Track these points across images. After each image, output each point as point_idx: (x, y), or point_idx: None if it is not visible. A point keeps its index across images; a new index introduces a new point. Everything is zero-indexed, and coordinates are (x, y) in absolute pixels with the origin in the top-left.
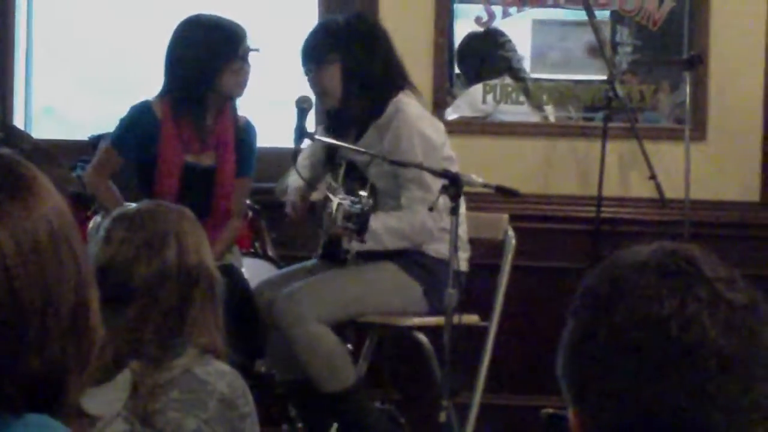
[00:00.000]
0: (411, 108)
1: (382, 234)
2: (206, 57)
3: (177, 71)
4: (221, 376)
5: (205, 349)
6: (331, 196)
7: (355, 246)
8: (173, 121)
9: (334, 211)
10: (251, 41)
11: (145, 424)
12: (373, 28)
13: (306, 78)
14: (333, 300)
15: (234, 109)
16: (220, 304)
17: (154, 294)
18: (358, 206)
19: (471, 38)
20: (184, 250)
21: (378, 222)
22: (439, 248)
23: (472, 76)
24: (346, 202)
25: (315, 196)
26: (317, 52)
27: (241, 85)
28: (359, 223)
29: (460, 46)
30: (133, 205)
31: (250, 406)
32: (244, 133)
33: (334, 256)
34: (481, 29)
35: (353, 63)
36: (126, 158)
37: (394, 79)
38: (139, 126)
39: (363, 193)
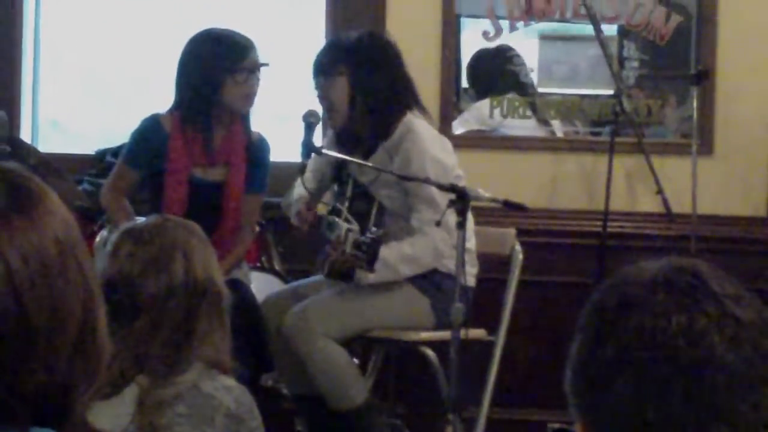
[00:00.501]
0: (421, 129)
1: (397, 263)
2: (209, 68)
3: (184, 85)
4: (228, 391)
5: (211, 364)
6: (337, 219)
7: (371, 279)
8: (182, 134)
9: (342, 237)
10: (260, 56)
11: None
12: (385, 46)
13: (315, 93)
14: (343, 316)
15: (247, 125)
16: (227, 319)
17: (161, 308)
18: (369, 235)
19: (481, 54)
20: (192, 264)
21: (392, 252)
22: (448, 263)
23: (482, 92)
24: (356, 228)
25: (320, 208)
26: (326, 64)
27: (246, 99)
28: (369, 252)
29: (470, 61)
30: (142, 219)
31: (257, 420)
32: (258, 149)
33: (341, 277)
34: (489, 44)
35: (360, 77)
36: (139, 172)
37: (402, 98)
38: (147, 139)
39: (371, 218)
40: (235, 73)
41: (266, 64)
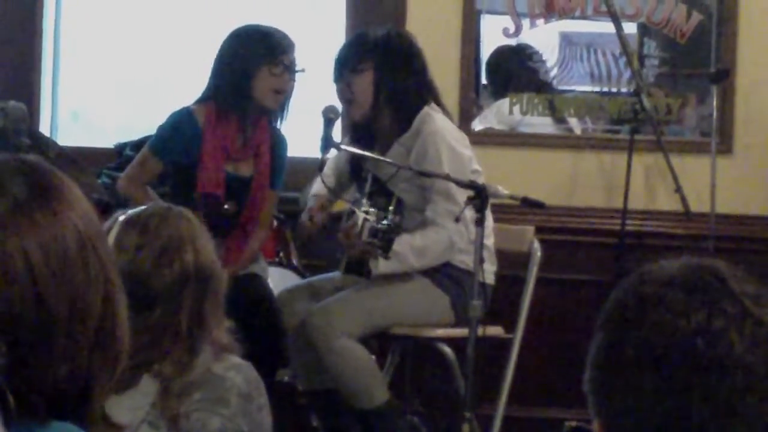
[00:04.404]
0: (438, 120)
1: (409, 255)
2: (248, 56)
3: (221, 73)
4: (238, 370)
5: (219, 346)
6: (356, 210)
7: (382, 270)
8: (215, 128)
9: (359, 226)
10: (298, 60)
11: (172, 426)
12: (410, 44)
13: (336, 87)
14: (365, 315)
15: (272, 122)
16: (222, 301)
17: (177, 297)
18: (385, 222)
19: (500, 51)
20: (199, 250)
21: (403, 244)
22: (466, 260)
23: (500, 89)
24: (372, 218)
25: (338, 206)
26: (352, 59)
27: (276, 94)
28: (385, 239)
29: (489, 58)
30: (140, 209)
31: (264, 396)
32: (277, 146)
33: (358, 272)
34: (509, 41)
35: (386, 73)
36: (165, 163)
37: (424, 97)
38: (180, 132)
39: (390, 210)
40: (272, 65)
41: (302, 70)
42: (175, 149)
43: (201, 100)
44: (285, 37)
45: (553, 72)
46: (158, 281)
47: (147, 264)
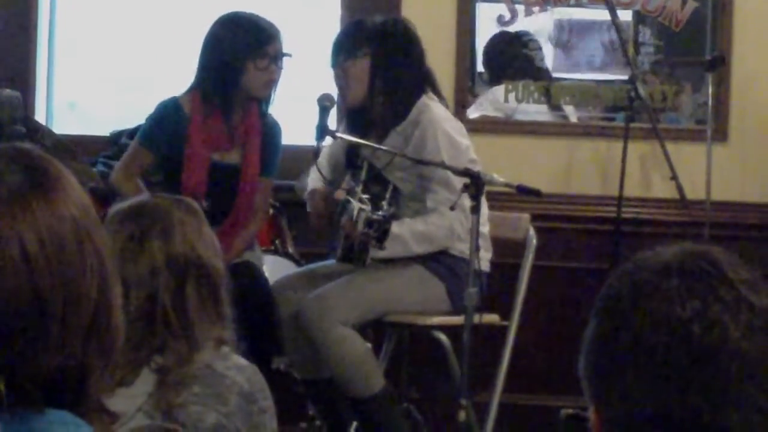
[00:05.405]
0: (436, 111)
1: (409, 239)
2: (233, 52)
3: (206, 66)
4: (240, 370)
5: (219, 341)
6: (351, 199)
7: (381, 254)
8: (201, 117)
9: (354, 216)
10: (285, 45)
11: (166, 418)
12: (409, 33)
13: (333, 73)
14: (362, 303)
15: (262, 108)
16: (224, 295)
17: (149, 287)
18: (380, 213)
19: (497, 38)
20: (171, 240)
21: (404, 228)
22: (462, 248)
23: (496, 76)
24: (368, 208)
25: (338, 194)
26: (349, 44)
27: (266, 86)
28: (380, 230)
29: (485, 46)
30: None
31: (268, 400)
32: (270, 132)
33: (353, 260)
34: (505, 29)
35: (383, 61)
36: (155, 155)
37: (421, 85)
38: (167, 122)
39: (385, 199)
40: (257, 58)
41: (289, 55)
42: (163, 140)
43: (189, 90)
44: (270, 26)
45: (549, 59)
46: (126, 272)
47: (116, 252)
